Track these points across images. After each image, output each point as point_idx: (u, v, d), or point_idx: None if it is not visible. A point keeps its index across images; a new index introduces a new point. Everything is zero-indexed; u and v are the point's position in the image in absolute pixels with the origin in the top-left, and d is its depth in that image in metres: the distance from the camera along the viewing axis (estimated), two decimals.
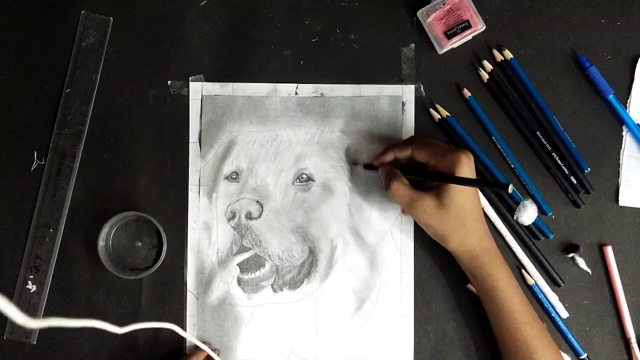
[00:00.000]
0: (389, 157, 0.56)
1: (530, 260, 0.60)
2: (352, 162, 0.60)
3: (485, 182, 0.49)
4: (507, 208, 0.60)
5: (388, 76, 0.61)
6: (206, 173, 0.60)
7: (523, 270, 0.60)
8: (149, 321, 0.48)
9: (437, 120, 0.60)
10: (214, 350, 0.59)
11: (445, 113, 0.60)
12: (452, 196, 0.50)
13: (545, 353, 0.52)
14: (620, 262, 0.60)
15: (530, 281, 0.59)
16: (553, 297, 0.59)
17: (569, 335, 0.59)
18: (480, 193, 0.58)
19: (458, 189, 0.50)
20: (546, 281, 0.60)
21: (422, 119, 0.60)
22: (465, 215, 0.51)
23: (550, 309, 0.59)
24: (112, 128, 0.60)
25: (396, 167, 0.55)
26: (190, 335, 0.53)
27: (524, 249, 0.60)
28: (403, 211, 0.58)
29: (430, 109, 0.60)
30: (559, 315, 0.59)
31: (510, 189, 0.43)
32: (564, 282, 0.60)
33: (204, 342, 0.59)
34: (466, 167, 0.50)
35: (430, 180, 0.53)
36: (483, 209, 0.58)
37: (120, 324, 0.59)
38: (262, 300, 0.60)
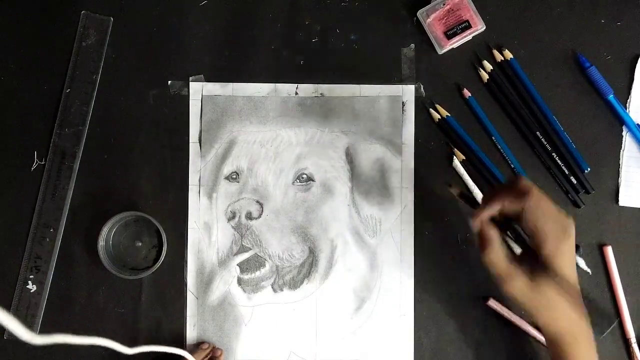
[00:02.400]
0: (495, 208, 0.48)
1: None
2: (448, 184, 0.53)
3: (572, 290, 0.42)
4: None
5: (388, 76, 0.61)
6: (206, 173, 0.60)
7: None
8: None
9: (437, 120, 0.60)
10: (215, 349, 0.59)
11: (445, 113, 0.60)
12: (547, 282, 0.46)
13: None
14: (620, 262, 0.60)
15: None
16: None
17: None
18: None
19: (566, 259, 0.46)
20: None
21: (422, 119, 0.60)
22: (556, 301, 0.47)
23: None
24: (112, 128, 0.60)
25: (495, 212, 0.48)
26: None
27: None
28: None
29: (430, 109, 0.60)
30: None
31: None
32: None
33: (203, 342, 0.59)
34: (567, 259, 0.45)
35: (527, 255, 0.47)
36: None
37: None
38: (262, 300, 0.60)
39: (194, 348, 0.58)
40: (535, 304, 0.47)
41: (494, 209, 0.48)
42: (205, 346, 0.58)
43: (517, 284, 0.47)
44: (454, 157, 0.59)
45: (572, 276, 0.47)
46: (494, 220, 0.49)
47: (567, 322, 0.48)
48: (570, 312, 0.48)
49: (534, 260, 0.47)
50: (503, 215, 0.48)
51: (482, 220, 0.48)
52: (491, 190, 0.50)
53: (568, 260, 0.46)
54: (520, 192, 0.47)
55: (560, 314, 0.48)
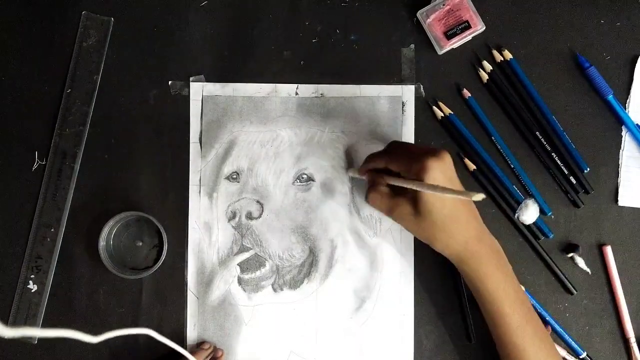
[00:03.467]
0: (367, 167, 0.55)
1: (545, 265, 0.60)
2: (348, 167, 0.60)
3: (448, 190, 0.43)
4: (509, 207, 0.60)
5: (388, 76, 0.61)
6: (207, 173, 0.60)
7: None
8: (149, 322, 0.47)
9: (439, 118, 0.60)
10: (216, 349, 0.59)
11: (447, 111, 0.60)
12: (427, 202, 0.49)
13: (540, 357, 0.51)
14: (620, 262, 0.60)
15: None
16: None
17: (567, 336, 0.59)
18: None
19: (428, 194, 0.48)
20: (551, 285, 0.60)
21: (422, 119, 0.61)
22: (445, 220, 0.49)
23: (544, 312, 0.59)
24: (113, 128, 0.60)
25: (381, 172, 0.54)
26: (169, 342, 0.50)
27: (531, 254, 0.60)
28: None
29: (434, 107, 0.60)
30: (554, 319, 0.59)
31: (478, 197, 0.40)
32: (576, 290, 0.60)
33: (204, 342, 0.59)
34: (436, 172, 0.47)
35: (406, 187, 0.50)
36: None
37: (121, 324, 0.60)
38: (262, 300, 0.60)
39: (195, 348, 0.58)
40: (423, 230, 0.51)
41: (371, 164, 0.54)
42: (206, 346, 0.58)
43: (401, 210, 0.51)
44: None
45: (452, 199, 0.49)
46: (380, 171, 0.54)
47: (461, 243, 0.50)
48: (462, 231, 0.50)
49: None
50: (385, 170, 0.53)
51: (364, 170, 0.56)
52: (370, 154, 0.56)
53: (435, 174, 0.47)
54: (382, 151, 0.54)
55: (451, 235, 0.50)
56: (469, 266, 0.51)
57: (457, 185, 0.50)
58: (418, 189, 0.48)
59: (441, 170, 0.48)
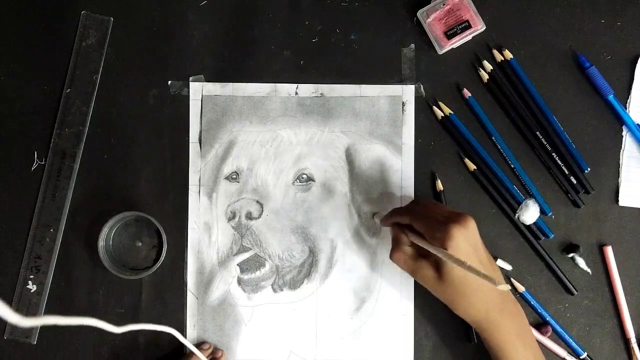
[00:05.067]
0: (390, 222, 0.55)
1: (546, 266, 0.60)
2: (373, 214, 0.60)
3: (474, 270, 0.42)
4: (509, 207, 0.60)
5: (388, 76, 0.61)
6: (206, 173, 0.60)
7: (512, 279, 0.59)
8: (149, 322, 0.48)
9: (440, 117, 0.60)
10: (216, 350, 0.59)
11: (448, 111, 0.60)
12: (450, 269, 0.48)
13: None
14: (620, 262, 0.60)
15: (521, 289, 0.59)
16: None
17: (567, 336, 0.59)
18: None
19: (451, 264, 0.47)
20: (552, 286, 0.60)
21: (422, 119, 0.60)
22: (467, 288, 0.48)
23: (544, 313, 0.59)
24: (112, 128, 0.60)
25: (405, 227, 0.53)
26: (188, 342, 0.52)
27: (533, 255, 0.60)
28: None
29: (434, 107, 0.60)
30: (554, 319, 0.59)
31: (503, 287, 0.39)
32: (577, 291, 0.60)
33: (204, 342, 0.59)
34: (460, 241, 0.46)
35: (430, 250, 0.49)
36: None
37: (120, 323, 0.59)
38: (262, 300, 0.60)
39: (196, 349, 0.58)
40: (445, 295, 0.50)
41: (392, 219, 0.54)
42: (206, 346, 0.58)
43: (424, 274, 0.50)
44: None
45: (474, 260, 0.48)
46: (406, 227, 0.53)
47: (482, 311, 0.50)
48: (483, 300, 0.49)
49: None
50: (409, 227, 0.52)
51: (387, 225, 0.55)
52: (396, 208, 0.55)
53: (457, 244, 0.47)
54: (407, 207, 0.53)
55: (472, 302, 0.49)
56: (488, 334, 0.51)
57: (481, 252, 0.49)
58: (443, 257, 0.46)
59: (465, 238, 0.47)
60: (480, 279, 0.42)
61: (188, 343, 0.52)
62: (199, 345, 0.59)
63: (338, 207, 0.60)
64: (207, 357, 0.58)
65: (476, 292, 0.49)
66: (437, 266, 0.49)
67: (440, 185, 0.59)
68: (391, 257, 0.53)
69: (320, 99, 0.61)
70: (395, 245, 0.53)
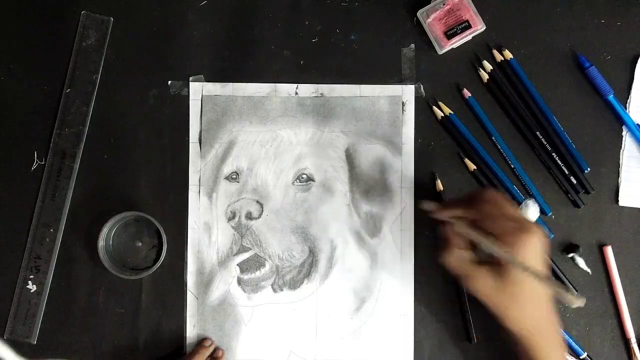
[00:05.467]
0: (453, 214, 0.51)
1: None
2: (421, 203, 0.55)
3: (551, 282, 0.42)
4: None
5: (388, 76, 0.61)
6: (206, 173, 0.60)
7: None
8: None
9: (440, 118, 0.60)
10: (217, 349, 0.59)
11: (448, 111, 0.60)
12: (511, 278, 0.47)
13: None
14: (620, 262, 0.60)
15: None
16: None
17: (567, 336, 0.59)
18: None
19: (519, 273, 0.46)
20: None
21: (422, 119, 0.60)
22: (524, 297, 0.47)
23: None
24: (112, 128, 0.60)
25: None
26: None
27: None
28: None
29: (434, 107, 0.60)
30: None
31: (579, 303, 0.39)
32: (577, 291, 0.60)
33: (205, 339, 0.59)
34: (532, 252, 0.45)
35: (502, 257, 0.47)
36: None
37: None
38: (262, 300, 0.60)
39: (196, 346, 0.58)
40: (502, 303, 0.48)
41: (453, 212, 0.50)
42: (207, 343, 0.58)
43: (481, 283, 0.48)
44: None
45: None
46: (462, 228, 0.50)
47: (533, 321, 0.48)
48: (536, 311, 0.48)
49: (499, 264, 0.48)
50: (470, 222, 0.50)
51: (442, 217, 0.51)
52: (453, 199, 0.53)
53: (530, 254, 0.46)
54: (478, 199, 0.49)
55: (525, 312, 0.48)
56: (532, 345, 0.49)
57: (544, 268, 0.48)
58: (519, 267, 0.45)
59: (536, 251, 0.46)
60: (545, 289, 0.42)
61: None
62: (200, 342, 0.59)
63: (338, 207, 0.60)
64: (209, 354, 0.58)
65: (531, 301, 0.48)
66: (499, 273, 0.47)
67: (440, 185, 0.59)
68: (443, 259, 0.50)
69: (320, 99, 0.61)
70: (450, 246, 0.50)
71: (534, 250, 0.46)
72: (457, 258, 0.49)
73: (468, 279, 0.49)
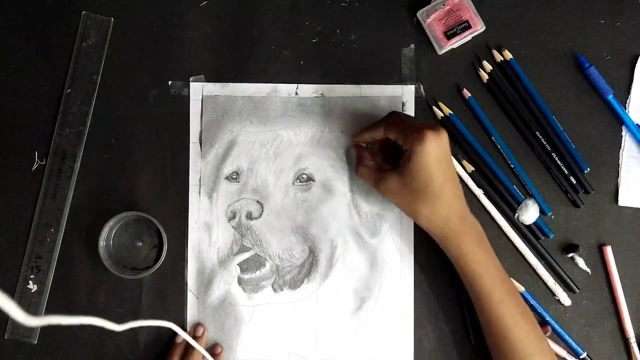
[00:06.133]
0: (364, 138, 0.57)
1: (543, 265, 0.60)
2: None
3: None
4: (509, 207, 0.60)
5: (388, 76, 0.61)
6: (206, 173, 0.60)
7: (512, 279, 0.59)
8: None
9: (440, 118, 0.60)
10: (216, 345, 0.59)
11: (447, 111, 0.60)
12: (413, 173, 0.50)
13: (521, 331, 0.52)
14: (620, 262, 0.60)
15: (521, 289, 0.59)
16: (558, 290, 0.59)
17: (567, 336, 0.59)
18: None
19: (420, 166, 0.50)
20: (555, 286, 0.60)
21: (422, 118, 0.60)
22: (429, 195, 0.51)
23: (544, 313, 0.59)
24: (112, 128, 0.60)
25: (376, 145, 0.57)
26: (189, 337, 0.53)
27: (536, 256, 0.60)
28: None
29: (434, 107, 0.60)
30: (554, 319, 0.59)
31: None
32: (578, 289, 0.60)
33: (198, 325, 0.59)
34: (433, 144, 0.49)
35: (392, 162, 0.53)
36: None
37: (121, 323, 0.59)
38: (262, 300, 0.60)
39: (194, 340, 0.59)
40: (408, 202, 0.52)
41: (363, 136, 0.57)
42: (199, 332, 0.59)
43: (388, 184, 0.53)
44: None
45: (439, 172, 0.50)
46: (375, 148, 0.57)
47: (442, 219, 0.52)
48: (445, 207, 0.52)
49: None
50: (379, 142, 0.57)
51: (355, 142, 0.58)
52: (365, 127, 0.57)
53: (434, 148, 0.49)
54: (380, 121, 0.54)
55: (435, 210, 0.51)
56: (450, 243, 0.53)
57: (449, 165, 0.51)
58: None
59: (438, 145, 0.50)
60: (443, 177, 0.50)
61: (189, 338, 0.52)
62: (194, 327, 0.59)
63: (338, 207, 0.60)
64: (203, 340, 0.59)
65: (439, 197, 0.51)
66: (401, 175, 0.51)
67: None
68: (356, 172, 0.57)
69: (320, 99, 0.61)
70: (359, 161, 0.57)
71: (432, 145, 0.49)
72: (365, 169, 0.56)
73: (377, 185, 0.54)
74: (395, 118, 0.53)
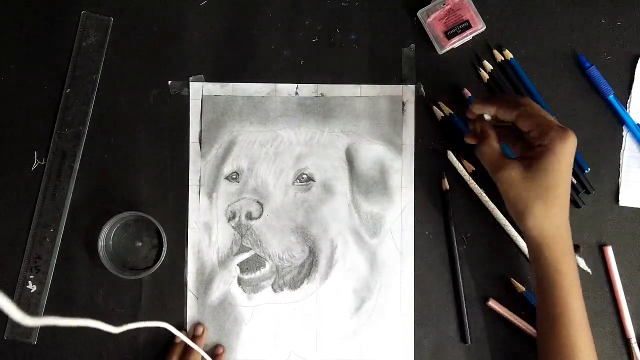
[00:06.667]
0: (489, 111, 0.52)
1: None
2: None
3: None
4: None
5: (388, 76, 0.61)
6: (206, 173, 0.60)
7: (512, 279, 0.59)
8: (149, 320, 0.48)
9: (440, 118, 0.60)
10: (217, 346, 0.59)
11: (448, 111, 0.60)
12: (545, 170, 0.48)
13: (590, 355, 0.50)
14: (620, 262, 0.60)
15: (521, 289, 0.59)
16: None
17: None
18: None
19: (555, 165, 0.47)
20: None
21: (423, 118, 0.60)
22: (550, 196, 0.48)
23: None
24: (112, 128, 0.60)
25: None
26: (185, 337, 0.53)
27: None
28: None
29: (434, 107, 0.60)
30: None
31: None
32: None
33: (198, 324, 0.59)
34: (568, 149, 0.47)
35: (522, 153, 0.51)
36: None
37: (120, 324, 0.59)
38: (262, 300, 0.60)
39: (194, 339, 0.59)
40: (526, 196, 0.49)
41: (489, 108, 0.52)
42: (199, 331, 0.58)
43: (509, 173, 0.49)
44: (448, 151, 0.59)
45: (566, 176, 0.49)
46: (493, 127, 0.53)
47: (555, 222, 0.49)
48: (559, 213, 0.49)
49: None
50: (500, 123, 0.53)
51: (478, 114, 0.53)
52: (488, 96, 0.54)
53: (569, 151, 0.48)
54: (514, 102, 0.51)
55: (550, 212, 0.49)
56: (551, 248, 0.50)
57: (572, 170, 0.49)
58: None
59: (574, 148, 0.48)
60: (565, 195, 0.47)
61: (186, 338, 0.52)
62: (194, 326, 0.59)
63: (338, 207, 0.60)
64: (203, 339, 0.58)
65: (559, 203, 0.49)
66: (528, 169, 0.49)
67: (446, 185, 0.59)
68: (477, 151, 0.52)
69: (320, 99, 0.61)
70: (484, 139, 0.52)
71: (569, 148, 0.47)
72: (489, 149, 0.51)
73: (497, 170, 0.50)
74: (533, 109, 0.50)
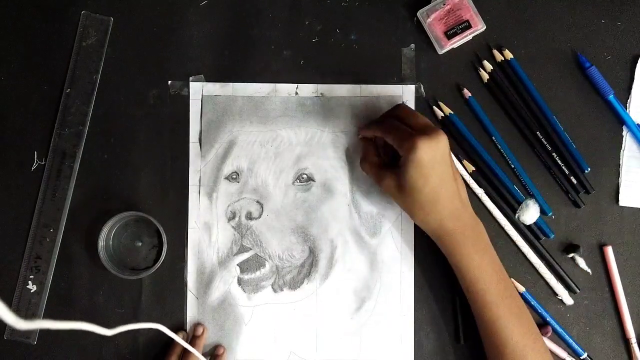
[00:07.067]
0: (370, 132, 0.57)
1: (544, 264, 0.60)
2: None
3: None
4: (509, 207, 0.60)
5: (388, 76, 0.61)
6: (206, 173, 0.60)
7: (512, 279, 0.59)
8: (149, 322, 0.48)
9: (440, 118, 0.60)
10: (218, 346, 0.59)
11: (448, 111, 0.60)
12: (408, 179, 0.50)
13: (514, 332, 0.52)
14: (620, 262, 0.60)
15: (521, 289, 0.59)
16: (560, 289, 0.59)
17: (567, 336, 0.59)
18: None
19: (412, 173, 0.50)
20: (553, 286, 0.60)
21: None
22: (425, 199, 0.51)
23: (544, 313, 0.59)
24: (112, 128, 0.60)
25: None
26: (180, 339, 0.52)
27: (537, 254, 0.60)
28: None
29: (434, 107, 0.60)
30: (555, 319, 0.59)
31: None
32: (579, 289, 0.60)
33: (197, 325, 0.59)
34: (423, 153, 0.49)
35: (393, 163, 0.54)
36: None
37: (120, 323, 0.59)
38: (262, 300, 0.60)
39: (194, 339, 0.58)
40: (405, 204, 0.53)
41: (369, 132, 0.57)
42: (199, 332, 0.58)
43: (387, 182, 0.53)
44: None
45: (433, 178, 0.50)
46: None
47: (437, 221, 0.52)
48: (439, 210, 0.52)
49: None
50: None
51: (362, 136, 0.59)
52: (373, 120, 0.58)
53: (426, 155, 0.49)
54: (377, 121, 0.56)
55: (428, 213, 0.52)
56: (443, 243, 0.54)
57: (447, 168, 0.51)
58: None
59: (431, 150, 0.49)
60: (441, 180, 0.50)
61: (181, 340, 0.52)
62: (194, 327, 0.59)
63: (338, 207, 0.60)
64: (202, 340, 0.58)
65: (434, 202, 0.51)
66: (399, 177, 0.52)
67: None
68: (361, 164, 0.58)
69: (320, 99, 0.61)
70: (364, 155, 0.58)
71: (423, 152, 0.49)
72: (368, 164, 0.56)
73: (378, 181, 0.55)
74: (389, 125, 0.53)
